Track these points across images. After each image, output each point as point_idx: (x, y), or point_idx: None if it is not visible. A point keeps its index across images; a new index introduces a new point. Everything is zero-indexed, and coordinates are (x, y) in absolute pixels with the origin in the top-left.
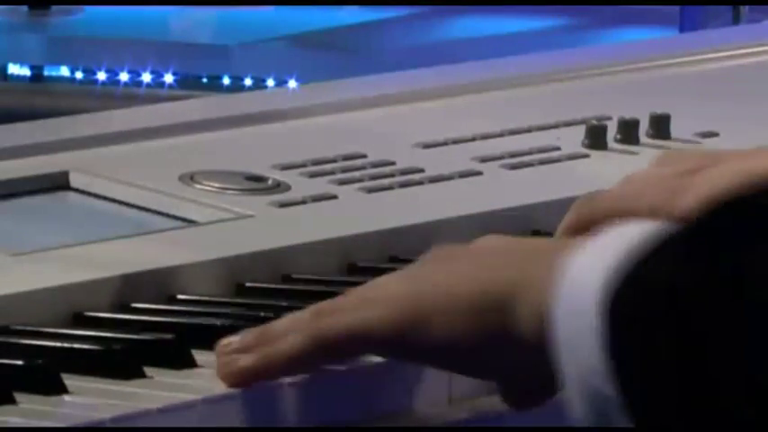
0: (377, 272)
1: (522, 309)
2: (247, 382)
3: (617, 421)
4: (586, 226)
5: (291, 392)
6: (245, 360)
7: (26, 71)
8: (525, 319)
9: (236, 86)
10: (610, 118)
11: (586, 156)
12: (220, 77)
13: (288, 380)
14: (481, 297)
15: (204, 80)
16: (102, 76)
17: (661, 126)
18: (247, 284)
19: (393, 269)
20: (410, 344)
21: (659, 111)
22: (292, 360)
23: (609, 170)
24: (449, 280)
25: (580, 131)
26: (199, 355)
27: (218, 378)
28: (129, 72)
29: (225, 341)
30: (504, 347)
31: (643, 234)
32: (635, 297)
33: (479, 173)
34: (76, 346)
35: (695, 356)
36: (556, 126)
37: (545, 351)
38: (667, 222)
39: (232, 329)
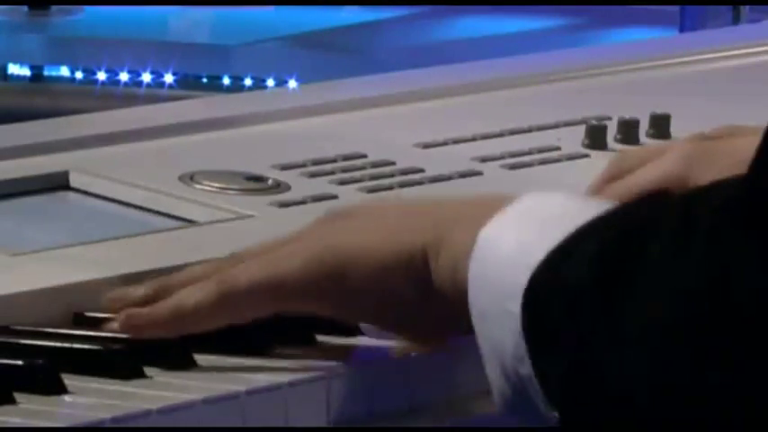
0: None
1: (439, 267)
2: (152, 333)
3: (534, 395)
4: (619, 177)
5: (292, 393)
6: (150, 313)
7: (26, 71)
8: (442, 277)
9: (236, 86)
10: (610, 118)
11: (586, 156)
12: (220, 77)
13: (287, 379)
14: (399, 251)
15: (204, 80)
16: (102, 76)
17: (661, 126)
18: None
19: None
20: (324, 296)
21: (659, 111)
22: (198, 313)
23: None
24: (363, 235)
25: (580, 131)
26: (199, 356)
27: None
28: (129, 72)
29: (119, 292)
30: (417, 300)
31: (562, 213)
32: (550, 290)
33: (479, 173)
34: (76, 346)
35: (595, 349)
36: (556, 126)
37: (460, 306)
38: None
39: (232, 329)
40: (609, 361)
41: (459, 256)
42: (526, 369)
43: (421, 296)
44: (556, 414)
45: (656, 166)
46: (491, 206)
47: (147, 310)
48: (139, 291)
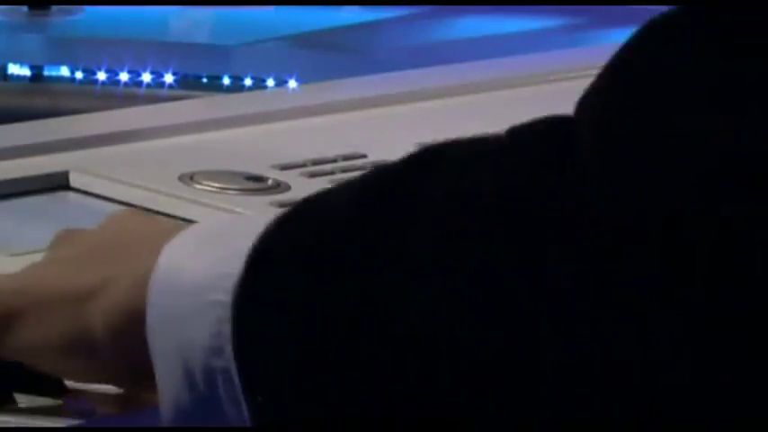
0: None
1: (103, 303)
2: None
3: (223, 390)
4: None
5: None
6: None
7: (26, 71)
8: (104, 315)
9: (236, 86)
10: None
11: None
12: (220, 77)
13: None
14: (66, 294)
15: (204, 80)
16: (102, 76)
17: None
18: None
19: None
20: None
21: None
22: None
23: None
24: (52, 272)
25: None
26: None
27: None
28: (129, 72)
29: None
30: (83, 349)
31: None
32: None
33: None
34: None
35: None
36: None
37: (119, 348)
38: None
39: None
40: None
41: (134, 285)
42: (223, 360)
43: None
44: (244, 408)
45: None
46: (165, 237)
47: None
48: None
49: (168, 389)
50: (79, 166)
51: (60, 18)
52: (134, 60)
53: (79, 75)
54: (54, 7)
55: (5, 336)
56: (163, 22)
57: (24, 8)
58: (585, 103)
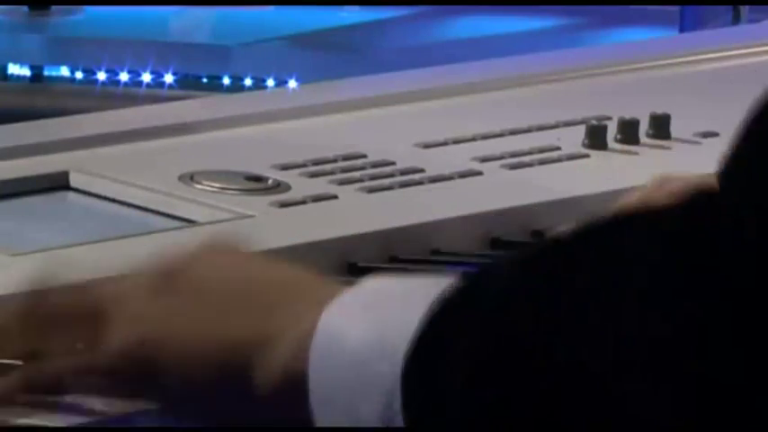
0: (377, 272)
1: (266, 360)
2: None
3: None
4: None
5: None
6: None
7: (26, 71)
8: (268, 370)
9: (236, 86)
10: (610, 118)
11: (586, 156)
12: (220, 77)
13: None
14: (221, 347)
15: (204, 80)
16: (102, 76)
17: (661, 126)
18: None
19: (393, 269)
20: (138, 391)
21: (659, 111)
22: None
23: (609, 170)
24: (182, 323)
25: (580, 131)
26: None
27: None
28: (129, 72)
29: None
30: (236, 398)
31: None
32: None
33: (479, 173)
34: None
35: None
36: (556, 126)
37: (283, 403)
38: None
39: None
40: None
41: (295, 347)
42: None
43: (239, 391)
44: None
45: None
46: (316, 294)
47: None
48: None
49: None
50: (79, 167)
51: (60, 18)
52: (134, 60)
53: (79, 75)
54: (54, 7)
55: (151, 385)
56: (163, 22)
57: (24, 8)
58: (731, 174)
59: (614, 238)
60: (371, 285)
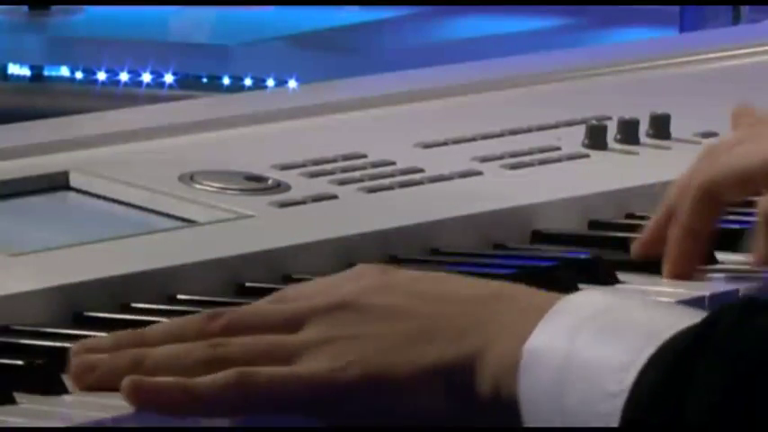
0: None
1: (485, 373)
2: (158, 405)
3: None
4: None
5: None
6: (156, 384)
7: (26, 71)
8: (486, 382)
9: (236, 86)
10: (610, 118)
11: (586, 156)
12: (220, 77)
13: None
14: (446, 365)
15: (204, 80)
16: (102, 76)
17: (661, 126)
18: (247, 284)
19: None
20: (345, 410)
21: (659, 111)
22: (210, 398)
23: (609, 170)
24: (392, 344)
25: (580, 131)
26: None
27: None
28: (129, 72)
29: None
30: (450, 408)
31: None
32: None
33: (479, 173)
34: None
35: None
36: (556, 126)
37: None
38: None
39: None
40: None
41: (506, 368)
42: None
43: (455, 406)
44: None
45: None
46: (530, 312)
47: (155, 381)
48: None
49: None
50: (79, 166)
51: (60, 18)
52: (134, 60)
53: (79, 75)
54: (54, 7)
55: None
56: (163, 22)
57: (24, 8)
58: None
59: None
60: (574, 304)
